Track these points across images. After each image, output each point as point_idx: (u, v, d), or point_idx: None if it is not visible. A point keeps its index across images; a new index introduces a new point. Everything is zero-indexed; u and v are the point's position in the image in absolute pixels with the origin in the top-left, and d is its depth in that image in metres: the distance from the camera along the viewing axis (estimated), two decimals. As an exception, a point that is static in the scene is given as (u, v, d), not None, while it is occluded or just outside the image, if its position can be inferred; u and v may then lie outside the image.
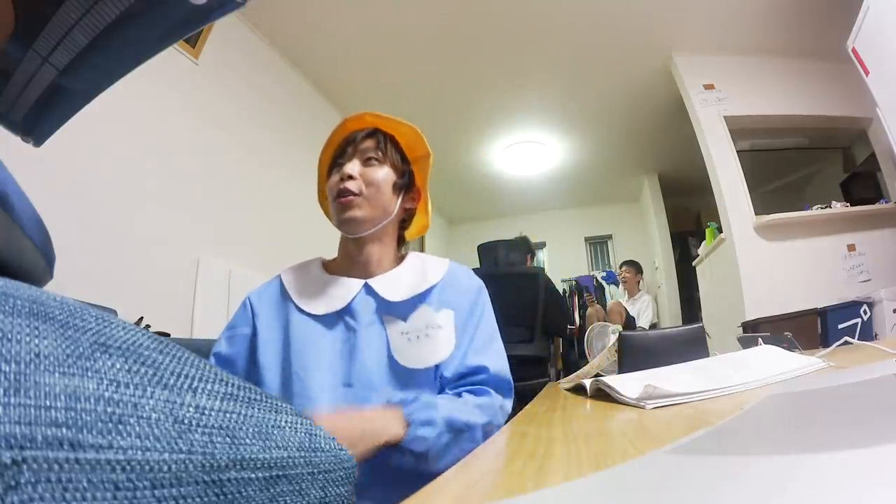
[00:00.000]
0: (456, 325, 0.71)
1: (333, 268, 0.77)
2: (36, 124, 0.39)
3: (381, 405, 0.62)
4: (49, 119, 0.39)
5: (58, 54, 0.34)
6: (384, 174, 0.74)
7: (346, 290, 0.72)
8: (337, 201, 0.71)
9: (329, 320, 0.70)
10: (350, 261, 0.75)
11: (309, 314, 0.70)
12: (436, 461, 0.56)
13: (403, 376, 0.67)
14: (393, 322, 0.70)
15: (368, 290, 0.72)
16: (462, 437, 0.60)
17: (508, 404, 0.71)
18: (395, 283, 0.73)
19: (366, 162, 0.73)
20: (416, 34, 2.83)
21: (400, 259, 0.79)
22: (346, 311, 0.70)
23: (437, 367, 0.68)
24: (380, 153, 0.74)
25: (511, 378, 0.72)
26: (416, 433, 0.55)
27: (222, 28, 2.39)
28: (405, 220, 0.81)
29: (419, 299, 0.71)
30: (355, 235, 0.73)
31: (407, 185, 0.78)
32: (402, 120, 0.78)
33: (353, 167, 0.72)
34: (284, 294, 0.73)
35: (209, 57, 2.31)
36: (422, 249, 4.39)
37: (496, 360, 0.72)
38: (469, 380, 0.69)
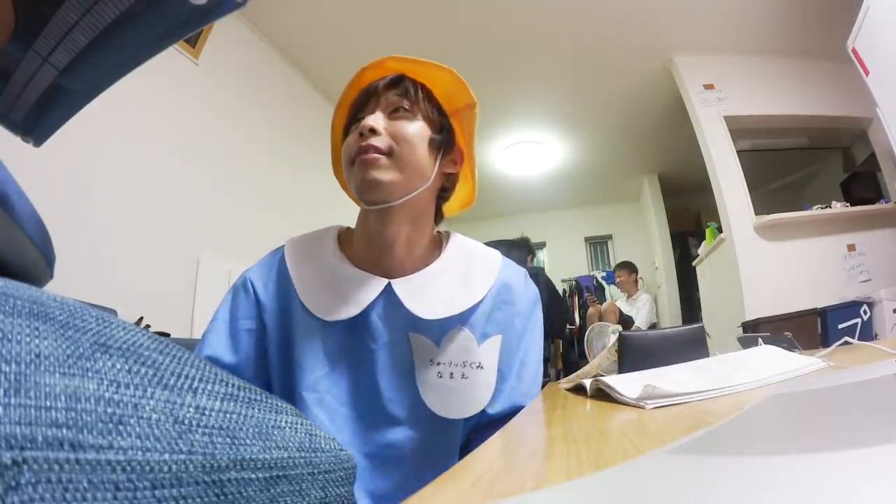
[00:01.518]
0: (502, 350, 0.58)
1: (350, 250, 0.61)
2: (36, 124, 0.39)
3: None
4: (49, 119, 0.39)
5: (58, 54, 0.34)
6: (416, 128, 0.57)
7: (364, 292, 0.56)
8: (358, 159, 0.54)
9: (341, 328, 0.56)
10: (370, 244, 0.58)
11: (316, 317, 0.55)
12: None
13: (430, 419, 0.54)
14: (421, 343, 0.55)
15: (391, 296, 0.56)
16: None
17: None
18: (427, 291, 0.57)
19: (392, 114, 0.57)
20: (416, 34, 2.83)
21: (436, 244, 0.63)
22: (362, 320, 0.56)
23: (476, 416, 0.56)
24: (408, 103, 0.58)
25: None
26: None
27: (222, 28, 2.39)
28: (443, 190, 0.63)
29: (459, 319, 0.56)
30: (380, 206, 0.55)
31: (446, 143, 0.60)
32: (436, 63, 0.60)
33: (376, 119, 0.55)
34: (288, 285, 0.58)
35: (209, 57, 2.31)
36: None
37: (535, 384, 0.60)
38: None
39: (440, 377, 0.55)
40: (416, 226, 0.59)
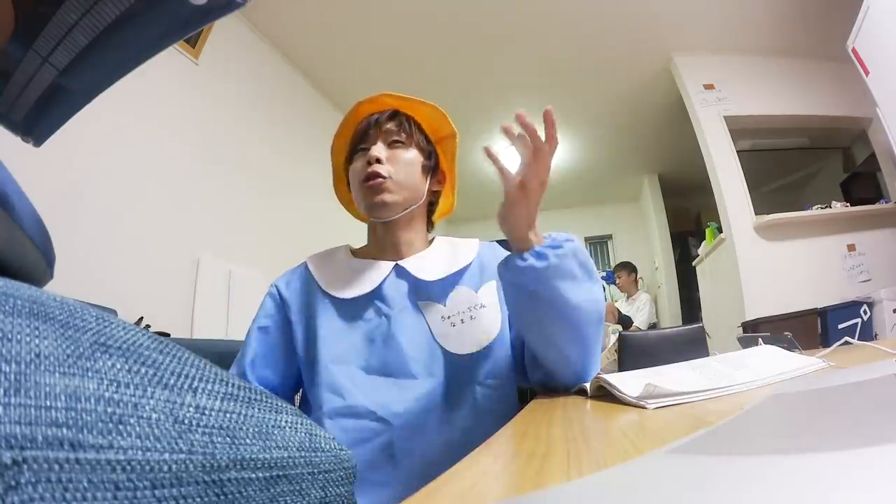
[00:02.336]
0: (500, 290, 0.68)
1: (362, 254, 0.74)
2: (36, 124, 0.39)
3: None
4: (49, 119, 0.39)
5: (58, 54, 0.34)
6: (412, 156, 0.70)
7: (377, 272, 0.68)
8: (366, 185, 0.67)
9: (357, 305, 0.66)
10: (379, 245, 0.72)
11: (337, 298, 0.66)
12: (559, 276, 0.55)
13: (447, 364, 0.63)
14: (431, 307, 0.67)
15: (400, 271, 0.69)
16: (582, 272, 0.58)
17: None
18: (427, 263, 0.70)
19: (391, 145, 0.70)
20: (416, 35, 2.83)
21: (429, 243, 0.77)
22: (377, 295, 0.67)
23: (488, 347, 0.65)
24: (404, 135, 0.70)
25: None
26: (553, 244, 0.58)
27: (222, 28, 2.39)
28: (432, 203, 0.78)
29: (454, 279, 0.68)
30: (386, 220, 0.69)
31: (433, 167, 0.75)
32: (422, 99, 0.74)
33: (379, 150, 0.68)
34: (310, 280, 0.69)
35: (209, 57, 2.31)
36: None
37: None
38: None
39: (453, 325, 0.65)
40: (414, 231, 0.73)
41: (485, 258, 0.73)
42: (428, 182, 0.73)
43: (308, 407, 0.64)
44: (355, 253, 0.74)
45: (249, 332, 0.68)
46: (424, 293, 0.67)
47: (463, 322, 0.65)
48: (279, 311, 0.69)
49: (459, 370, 0.63)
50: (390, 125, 0.70)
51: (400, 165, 0.68)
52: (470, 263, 0.71)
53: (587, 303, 0.57)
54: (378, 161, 0.67)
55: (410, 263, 0.69)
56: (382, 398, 0.60)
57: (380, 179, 0.66)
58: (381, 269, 0.68)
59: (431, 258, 0.71)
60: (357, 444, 0.58)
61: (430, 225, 0.78)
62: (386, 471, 0.58)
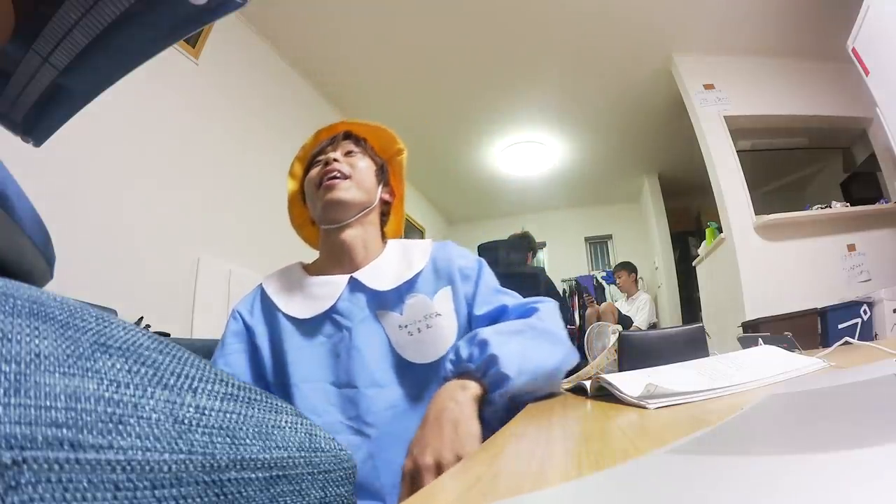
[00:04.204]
0: (455, 296, 0.69)
1: (315, 269, 0.75)
2: (36, 124, 0.39)
3: (441, 387, 0.54)
4: (49, 119, 0.39)
5: (58, 54, 0.34)
6: (366, 162, 0.75)
7: (331, 287, 0.69)
8: (323, 185, 0.70)
9: (318, 322, 0.67)
10: (333, 257, 0.73)
11: (297, 319, 0.67)
12: (515, 364, 0.52)
13: (409, 371, 0.64)
14: (387, 316, 0.67)
15: (355, 284, 0.70)
16: (518, 335, 0.57)
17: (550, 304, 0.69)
18: (381, 272, 0.71)
19: (346, 155, 0.75)
20: (416, 34, 2.83)
21: (383, 247, 0.78)
22: (335, 311, 0.67)
23: (447, 356, 0.64)
24: (358, 148, 0.77)
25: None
26: (494, 377, 0.51)
27: (222, 28, 2.39)
28: (383, 214, 0.81)
29: (408, 287, 0.69)
30: (340, 223, 0.71)
31: (385, 179, 0.80)
32: (370, 122, 0.82)
33: (337, 154, 0.73)
34: (269, 303, 0.70)
35: (209, 57, 2.32)
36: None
37: (512, 298, 0.70)
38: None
39: (410, 335, 0.66)
40: (368, 233, 0.74)
41: (438, 262, 0.73)
42: (380, 189, 0.77)
43: None
44: (308, 269, 0.75)
45: (214, 360, 0.66)
46: (381, 302, 0.68)
47: (420, 331, 0.66)
48: (245, 337, 0.68)
49: (423, 377, 0.64)
50: (345, 141, 0.77)
51: (356, 169, 0.73)
52: (423, 269, 0.71)
53: (556, 364, 0.61)
54: (336, 160, 0.72)
55: (364, 274, 0.70)
56: (355, 410, 0.61)
57: (337, 177, 0.70)
58: (336, 285, 0.69)
59: (384, 266, 0.72)
60: None
61: (382, 235, 0.79)
62: (371, 482, 0.58)
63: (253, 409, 0.26)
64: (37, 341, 0.17)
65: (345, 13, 2.64)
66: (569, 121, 3.83)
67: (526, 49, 3.01)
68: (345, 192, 0.70)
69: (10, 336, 0.16)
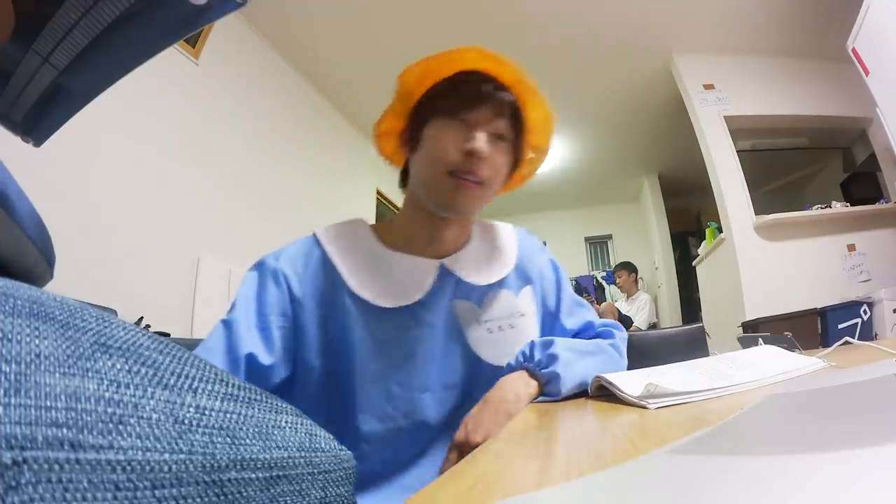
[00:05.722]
0: (536, 298, 0.66)
1: (393, 240, 0.62)
2: (36, 124, 0.39)
3: (506, 376, 0.53)
4: (49, 119, 0.39)
5: (58, 54, 0.34)
6: (506, 162, 0.61)
7: (421, 275, 0.59)
8: (457, 180, 0.56)
9: (401, 315, 0.57)
10: (421, 235, 0.62)
11: (373, 306, 0.56)
12: (575, 381, 0.52)
13: (478, 370, 0.59)
14: (467, 309, 0.60)
15: (444, 272, 0.61)
16: (589, 356, 0.56)
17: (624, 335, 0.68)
18: (475, 263, 0.63)
19: (494, 139, 0.58)
20: (416, 33, 2.83)
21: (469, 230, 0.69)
22: (421, 304, 0.58)
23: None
24: (510, 136, 0.60)
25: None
26: (549, 376, 0.52)
27: (222, 28, 2.39)
28: None
29: (500, 283, 0.63)
30: (451, 218, 0.61)
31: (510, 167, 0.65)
32: (545, 100, 0.63)
33: (485, 142, 0.56)
34: (332, 273, 0.57)
35: (209, 57, 2.32)
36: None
37: (590, 312, 0.68)
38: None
39: (490, 332, 0.60)
40: (462, 226, 0.65)
41: (523, 254, 0.67)
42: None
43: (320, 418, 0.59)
44: (382, 236, 0.63)
45: (235, 323, 0.52)
46: (464, 292, 0.61)
47: (502, 329, 0.61)
48: (289, 310, 0.55)
49: (492, 379, 0.57)
50: (501, 122, 0.58)
51: (495, 170, 0.58)
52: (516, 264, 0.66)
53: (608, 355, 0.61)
54: (483, 160, 0.56)
55: (458, 264, 0.62)
56: (421, 415, 0.56)
57: (477, 184, 0.57)
58: (426, 272, 0.60)
59: (475, 253, 0.64)
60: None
61: None
62: (415, 470, 0.56)
63: (253, 409, 0.26)
64: (37, 341, 0.17)
65: (345, 13, 2.64)
66: (569, 121, 3.83)
67: (526, 50, 3.00)
68: (474, 201, 0.58)
69: (10, 336, 0.16)
